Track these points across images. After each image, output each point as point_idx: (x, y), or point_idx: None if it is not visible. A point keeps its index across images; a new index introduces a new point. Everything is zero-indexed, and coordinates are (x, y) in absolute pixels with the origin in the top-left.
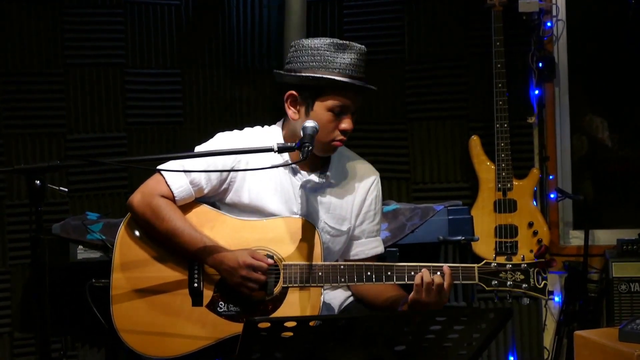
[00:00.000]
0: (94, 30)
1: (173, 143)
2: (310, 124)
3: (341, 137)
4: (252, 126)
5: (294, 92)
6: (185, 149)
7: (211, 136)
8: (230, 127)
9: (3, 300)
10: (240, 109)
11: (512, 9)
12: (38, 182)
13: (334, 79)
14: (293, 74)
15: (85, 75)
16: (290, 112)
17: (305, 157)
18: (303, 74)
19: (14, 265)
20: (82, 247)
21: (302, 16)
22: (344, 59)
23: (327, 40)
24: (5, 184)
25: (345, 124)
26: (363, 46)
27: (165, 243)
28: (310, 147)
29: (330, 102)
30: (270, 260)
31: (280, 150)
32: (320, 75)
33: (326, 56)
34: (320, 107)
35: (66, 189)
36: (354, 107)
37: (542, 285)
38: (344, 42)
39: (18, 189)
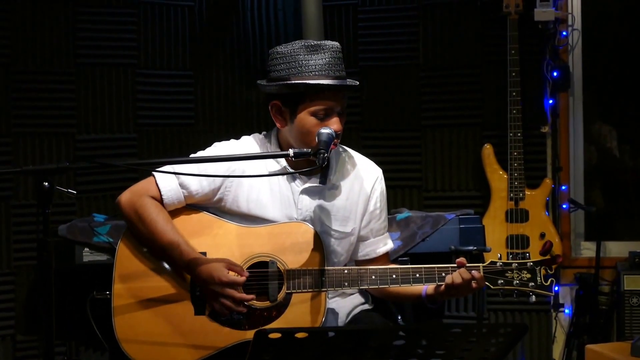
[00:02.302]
0: (106, 30)
1: (184, 145)
2: (325, 130)
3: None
4: (262, 130)
5: (276, 102)
6: (193, 153)
7: (222, 139)
8: (242, 130)
9: (7, 302)
10: (252, 113)
11: (527, 18)
12: (46, 183)
13: (307, 84)
14: (271, 84)
15: (97, 75)
16: (278, 121)
17: (322, 164)
18: (279, 83)
19: (19, 266)
20: (88, 249)
21: (318, 21)
22: (317, 60)
23: (300, 44)
24: (12, 183)
25: (333, 126)
26: (337, 43)
27: (147, 245)
28: (326, 154)
29: (311, 107)
30: (245, 274)
31: (297, 155)
32: (294, 82)
33: (300, 60)
34: (304, 113)
35: (74, 191)
36: (339, 107)
37: (548, 282)
38: (317, 42)
39: (24, 189)
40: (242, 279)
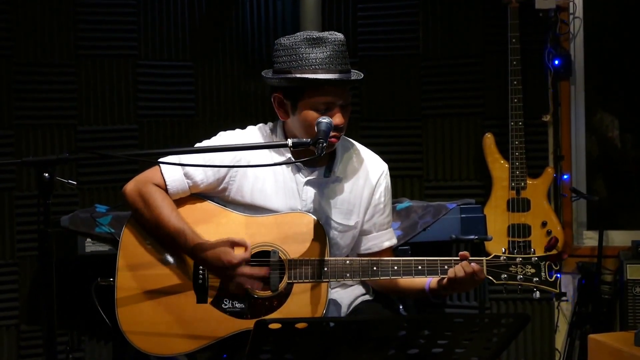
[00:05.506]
0: (106, 21)
1: (184, 136)
2: (324, 119)
3: (334, 132)
4: (263, 121)
5: (278, 94)
6: (195, 143)
7: (223, 130)
8: (242, 121)
9: (10, 292)
10: (252, 103)
11: (528, 6)
12: (47, 174)
13: (306, 78)
14: (272, 76)
15: (97, 67)
16: (279, 113)
17: (321, 153)
18: (280, 76)
19: (22, 257)
20: (90, 240)
21: (317, 11)
22: (317, 54)
23: (302, 36)
24: (14, 175)
25: (335, 120)
26: (341, 35)
27: (153, 232)
28: (325, 144)
29: (312, 101)
30: (249, 246)
31: (295, 145)
32: (293, 76)
33: (301, 54)
34: (304, 107)
35: (75, 182)
36: (341, 101)
37: (553, 278)
38: (319, 35)
39: (28, 180)
40: (247, 254)
